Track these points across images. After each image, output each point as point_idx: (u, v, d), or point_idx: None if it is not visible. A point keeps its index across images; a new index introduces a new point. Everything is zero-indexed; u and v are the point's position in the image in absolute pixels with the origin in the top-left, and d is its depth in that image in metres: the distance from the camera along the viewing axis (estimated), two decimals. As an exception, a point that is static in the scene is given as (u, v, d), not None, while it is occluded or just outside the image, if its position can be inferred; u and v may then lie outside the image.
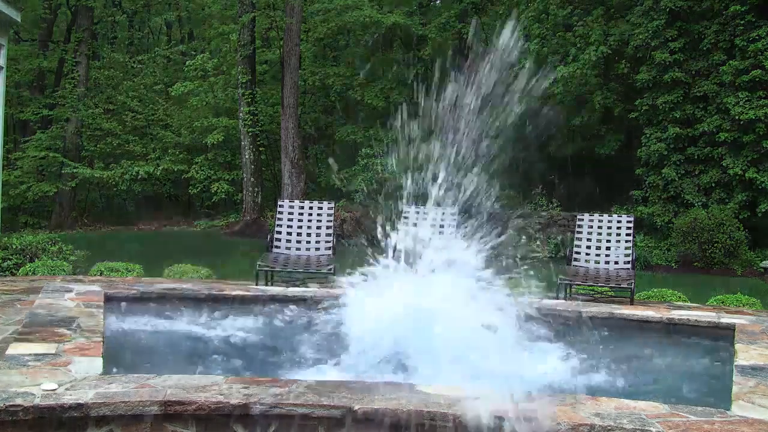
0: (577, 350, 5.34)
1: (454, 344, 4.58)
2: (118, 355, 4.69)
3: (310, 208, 8.17)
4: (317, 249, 7.93)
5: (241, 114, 18.80)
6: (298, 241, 7.98)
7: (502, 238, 5.35)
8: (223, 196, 20.21)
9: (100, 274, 7.68)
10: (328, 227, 8.04)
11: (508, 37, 5.28)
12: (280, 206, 8.20)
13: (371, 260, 5.11)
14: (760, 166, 13.79)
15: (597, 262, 7.85)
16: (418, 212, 8.27)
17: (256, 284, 7.29)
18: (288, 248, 7.93)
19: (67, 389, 3.46)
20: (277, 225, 8.07)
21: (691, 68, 14.78)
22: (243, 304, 6.45)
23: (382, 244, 5.21)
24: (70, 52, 21.31)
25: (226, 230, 18.24)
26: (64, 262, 7.91)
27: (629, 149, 16.77)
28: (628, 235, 7.95)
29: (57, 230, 17.34)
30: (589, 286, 7.46)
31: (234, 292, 6.57)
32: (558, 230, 15.62)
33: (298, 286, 7.36)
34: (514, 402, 3.35)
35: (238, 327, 5.95)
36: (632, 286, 7.11)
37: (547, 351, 5.15)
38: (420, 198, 15.73)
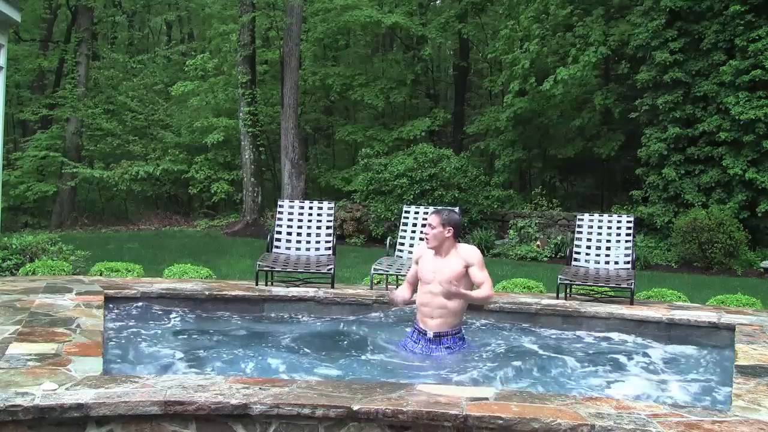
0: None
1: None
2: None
3: (310, 208, 8.17)
4: (317, 249, 7.93)
5: (241, 114, 18.79)
6: (298, 241, 7.98)
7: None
8: (223, 196, 20.20)
9: (100, 274, 7.68)
10: (328, 227, 8.04)
11: None
12: (280, 206, 8.20)
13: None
14: (760, 166, 13.79)
15: (597, 262, 7.84)
16: (417, 212, 8.29)
17: (256, 284, 7.29)
18: (288, 248, 7.93)
19: (67, 389, 3.46)
20: (277, 225, 8.07)
21: (691, 68, 14.77)
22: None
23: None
24: (70, 52, 21.29)
25: (226, 230, 18.23)
26: (64, 262, 7.90)
27: (629, 149, 16.77)
28: (628, 235, 7.94)
29: (57, 230, 17.33)
30: (588, 286, 7.45)
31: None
32: (558, 230, 15.62)
33: (297, 286, 7.37)
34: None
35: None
36: (632, 286, 7.10)
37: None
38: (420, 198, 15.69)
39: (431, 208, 8.19)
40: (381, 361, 5.15)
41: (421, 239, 5.20)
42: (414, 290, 5.42)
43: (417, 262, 5.35)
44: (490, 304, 6.11)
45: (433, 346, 5.13)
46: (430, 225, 5.17)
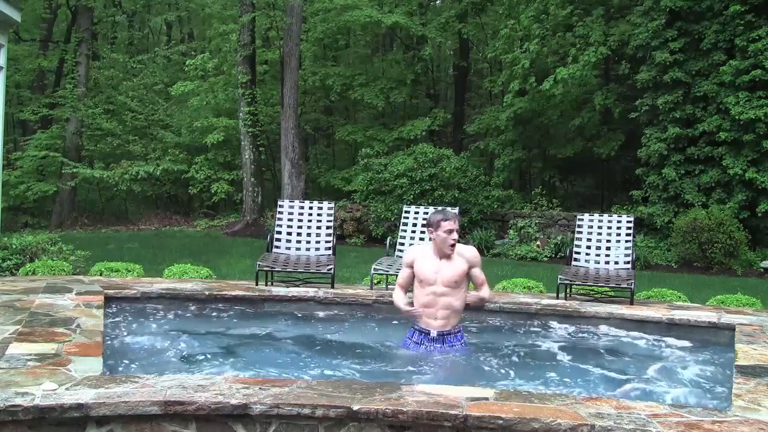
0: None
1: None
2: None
3: (310, 208, 8.17)
4: (317, 249, 7.93)
5: (241, 114, 18.79)
6: (298, 241, 7.98)
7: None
8: (223, 196, 20.20)
9: (100, 274, 7.68)
10: (328, 227, 8.04)
11: None
12: (280, 206, 8.20)
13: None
14: (760, 166, 13.78)
15: (597, 262, 7.84)
16: (417, 212, 8.29)
17: (256, 284, 7.29)
18: (288, 248, 7.93)
19: (67, 389, 3.46)
20: (277, 225, 8.07)
21: (691, 68, 14.77)
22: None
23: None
24: (70, 52, 21.29)
25: (226, 230, 18.23)
26: (64, 262, 7.90)
27: (629, 149, 16.77)
28: (628, 235, 7.94)
29: (57, 230, 17.33)
30: (589, 286, 7.45)
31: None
32: (558, 230, 15.62)
33: (297, 286, 7.37)
34: None
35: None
36: (632, 286, 7.10)
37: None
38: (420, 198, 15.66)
39: (431, 209, 8.18)
40: (381, 361, 5.15)
41: (452, 245, 5.15)
42: (406, 292, 5.43)
43: (410, 266, 5.30)
44: (490, 304, 6.17)
45: (438, 345, 5.14)
46: (456, 230, 5.13)
